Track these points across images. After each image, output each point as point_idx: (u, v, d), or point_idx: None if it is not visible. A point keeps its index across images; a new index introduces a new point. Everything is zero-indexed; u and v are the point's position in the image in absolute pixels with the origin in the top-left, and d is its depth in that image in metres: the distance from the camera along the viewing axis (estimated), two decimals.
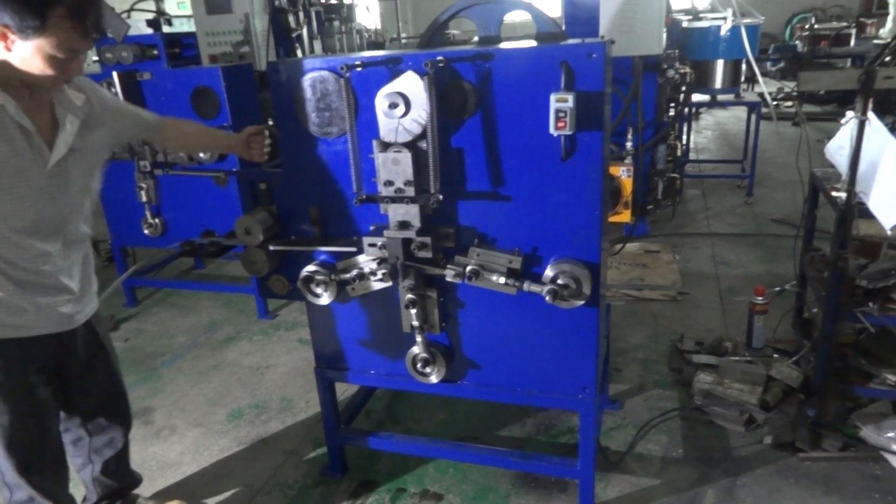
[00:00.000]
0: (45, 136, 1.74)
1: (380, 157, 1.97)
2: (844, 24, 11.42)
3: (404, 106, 1.90)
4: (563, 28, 4.46)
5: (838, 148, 2.59)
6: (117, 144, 2.02)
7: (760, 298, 3.24)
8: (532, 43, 2.06)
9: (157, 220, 4.09)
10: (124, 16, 4.17)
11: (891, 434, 2.59)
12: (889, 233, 2.40)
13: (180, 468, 2.82)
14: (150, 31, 4.47)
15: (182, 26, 5.28)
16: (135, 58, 3.83)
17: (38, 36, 1.57)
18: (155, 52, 3.91)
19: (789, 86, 9.87)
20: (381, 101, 1.92)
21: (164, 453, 2.93)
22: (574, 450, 2.38)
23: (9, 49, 1.60)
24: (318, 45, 5.08)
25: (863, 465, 2.55)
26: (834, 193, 2.67)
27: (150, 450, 2.94)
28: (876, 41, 10.17)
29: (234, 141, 2.37)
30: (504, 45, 2.08)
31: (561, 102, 1.78)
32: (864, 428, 2.66)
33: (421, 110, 1.90)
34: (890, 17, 10.74)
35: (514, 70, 1.87)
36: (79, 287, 1.95)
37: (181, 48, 4.31)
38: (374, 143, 1.97)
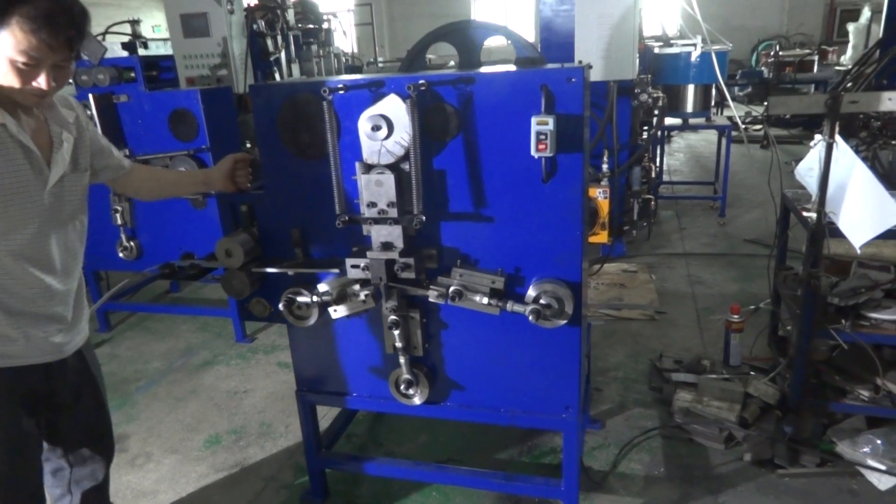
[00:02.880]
0: (43, 155, 1.70)
1: (363, 179, 1.98)
2: (807, 51, 11.86)
3: (387, 128, 1.92)
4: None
5: (808, 170, 2.67)
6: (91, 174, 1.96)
7: (736, 317, 3.31)
8: (512, 67, 2.10)
9: (132, 243, 4.03)
10: (100, 38, 4.15)
11: (866, 449, 2.64)
12: (859, 251, 2.47)
13: (156, 497, 2.75)
14: (125, 53, 4.46)
15: (157, 49, 5.26)
16: (111, 80, 3.80)
17: None
18: (132, 74, 3.89)
19: (757, 110, 10.16)
20: (363, 124, 1.94)
21: (139, 482, 2.85)
22: (557, 470, 2.38)
23: None
24: (295, 69, 5.11)
25: (840, 480, 2.59)
26: (805, 214, 2.75)
27: (124, 478, 2.86)
28: (837, 67, 10.57)
29: (212, 176, 2.22)
30: (485, 68, 2.12)
31: (542, 125, 1.81)
32: (839, 443, 2.71)
33: (404, 133, 1.92)
34: (850, 45, 11.18)
35: (495, 93, 1.91)
36: (72, 316, 1.89)
37: (158, 71, 4.29)
38: (357, 165, 1.98)
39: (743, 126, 10.04)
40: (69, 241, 1.84)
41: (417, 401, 2.31)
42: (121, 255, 4.05)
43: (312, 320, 2.24)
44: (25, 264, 1.70)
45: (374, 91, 1.97)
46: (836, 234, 2.54)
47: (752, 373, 3.23)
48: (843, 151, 2.40)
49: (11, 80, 1.56)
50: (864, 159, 4.69)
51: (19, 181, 1.64)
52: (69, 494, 2.18)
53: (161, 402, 3.52)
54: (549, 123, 1.81)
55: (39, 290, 1.75)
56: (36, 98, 1.65)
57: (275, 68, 4.86)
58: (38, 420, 1.93)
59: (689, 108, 6.19)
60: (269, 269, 2.24)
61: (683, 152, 9.94)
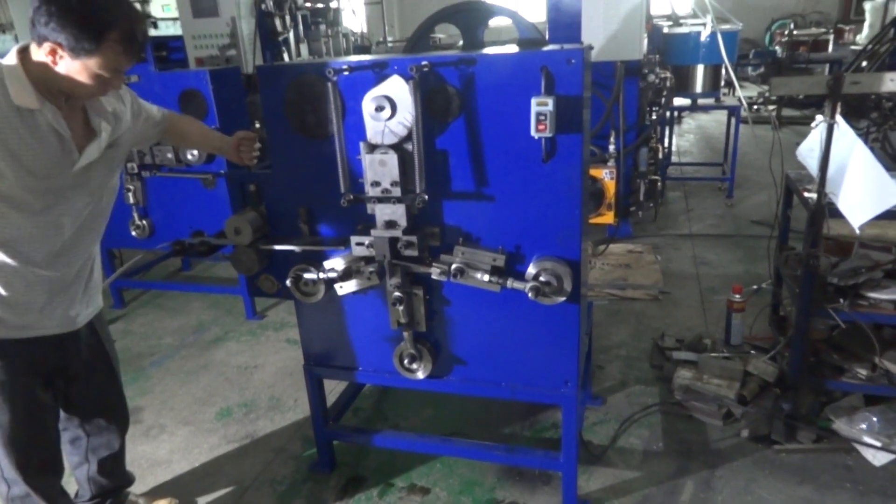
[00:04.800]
0: (77, 141, 1.77)
1: (367, 159, 2.03)
2: (823, 30, 11.64)
3: (390, 109, 1.96)
4: (546, 32, 4.56)
5: (809, 150, 2.68)
6: (136, 145, 2.20)
7: (738, 297, 3.34)
8: (514, 48, 2.13)
9: (144, 222, 4.12)
10: None
11: (862, 426, 2.68)
12: (857, 232, 2.49)
13: (170, 466, 2.85)
14: None
15: (167, 29, 5.30)
16: None
17: (88, 57, 1.60)
18: (142, 54, 3.92)
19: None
20: (367, 105, 1.98)
21: (153, 452, 2.96)
22: (558, 444, 2.44)
23: (55, 63, 1.61)
24: (304, 49, 5.14)
25: (835, 457, 2.64)
26: (806, 194, 2.76)
27: (139, 448, 2.97)
28: (853, 47, 10.40)
29: (225, 144, 2.37)
30: (487, 50, 2.15)
31: (541, 106, 1.85)
32: (836, 420, 2.75)
33: (406, 113, 1.96)
34: (867, 24, 10.98)
35: (496, 75, 1.94)
36: (84, 287, 1.98)
37: (168, 51, 4.33)
38: (361, 144, 2.03)
39: (755, 107, 9.96)
40: (90, 217, 1.91)
41: (421, 375, 2.37)
42: (133, 233, 4.14)
43: (319, 296, 2.30)
44: (49, 236, 1.79)
45: (378, 72, 2.01)
46: (837, 214, 2.56)
47: (752, 351, 3.27)
48: (844, 132, 2.41)
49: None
50: (874, 140, 4.67)
51: (47, 162, 1.71)
52: (87, 462, 2.28)
53: (174, 376, 3.63)
54: (549, 104, 1.84)
55: (60, 260, 1.84)
56: (101, 94, 1.78)
57: (283, 48, 4.89)
58: (55, 390, 2.02)
59: (699, 88, 6.14)
60: (277, 247, 2.30)
61: (694, 133, 9.87)
